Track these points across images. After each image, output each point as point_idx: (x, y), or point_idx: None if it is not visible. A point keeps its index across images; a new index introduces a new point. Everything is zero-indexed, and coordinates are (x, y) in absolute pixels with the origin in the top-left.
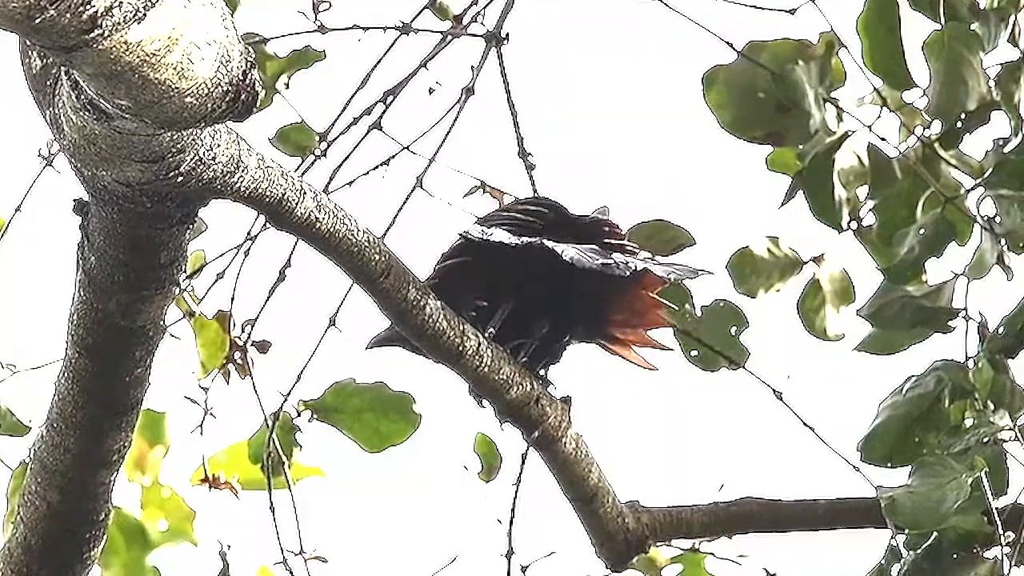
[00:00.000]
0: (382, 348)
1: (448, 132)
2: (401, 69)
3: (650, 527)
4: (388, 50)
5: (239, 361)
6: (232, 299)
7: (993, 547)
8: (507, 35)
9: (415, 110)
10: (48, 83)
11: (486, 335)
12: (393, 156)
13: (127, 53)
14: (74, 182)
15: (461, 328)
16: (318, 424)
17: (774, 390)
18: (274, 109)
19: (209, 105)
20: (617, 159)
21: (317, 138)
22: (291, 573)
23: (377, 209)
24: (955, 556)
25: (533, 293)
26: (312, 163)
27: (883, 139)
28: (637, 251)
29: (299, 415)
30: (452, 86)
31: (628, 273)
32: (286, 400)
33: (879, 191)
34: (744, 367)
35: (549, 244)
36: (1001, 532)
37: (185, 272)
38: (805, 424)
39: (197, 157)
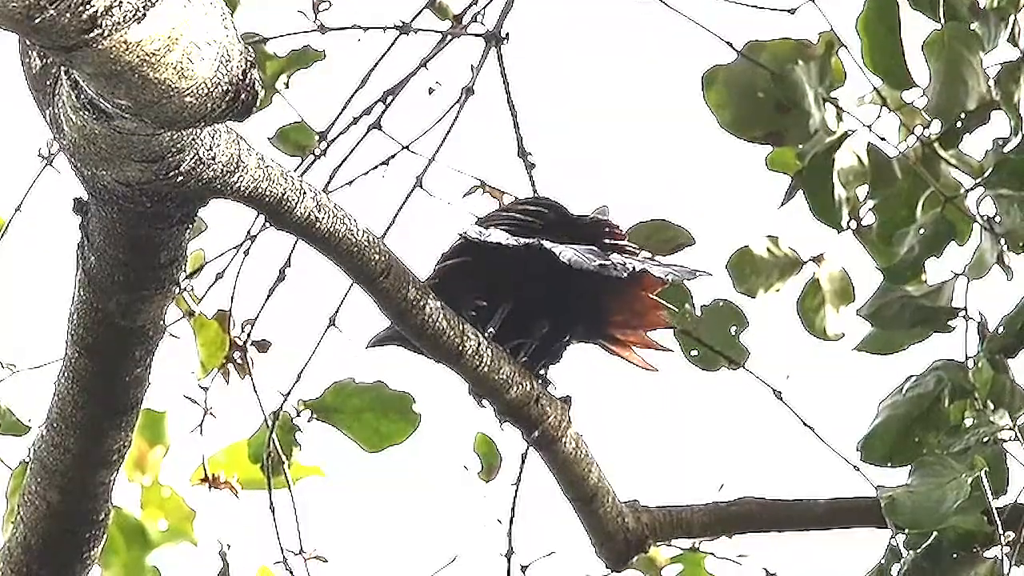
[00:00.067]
0: (382, 347)
1: (448, 132)
2: (401, 69)
3: (650, 527)
4: (388, 50)
5: (239, 361)
6: (232, 299)
7: (993, 547)
8: (507, 35)
9: (415, 110)
10: (48, 83)
11: (486, 335)
12: (393, 156)
13: (127, 53)
14: (74, 182)
15: (461, 328)
16: (318, 424)
17: (774, 390)
18: (274, 109)
19: (209, 105)
20: (617, 159)
21: (317, 138)
22: (291, 573)
23: (377, 209)
24: (955, 556)
25: (533, 293)
26: (312, 163)
27: (883, 139)
28: (637, 251)
29: (299, 415)
30: (452, 86)
31: (625, 274)
32: (286, 400)
33: (879, 191)
34: (744, 367)
35: (547, 245)
36: (1001, 532)
37: (185, 272)
38: (805, 424)
39: (197, 157)
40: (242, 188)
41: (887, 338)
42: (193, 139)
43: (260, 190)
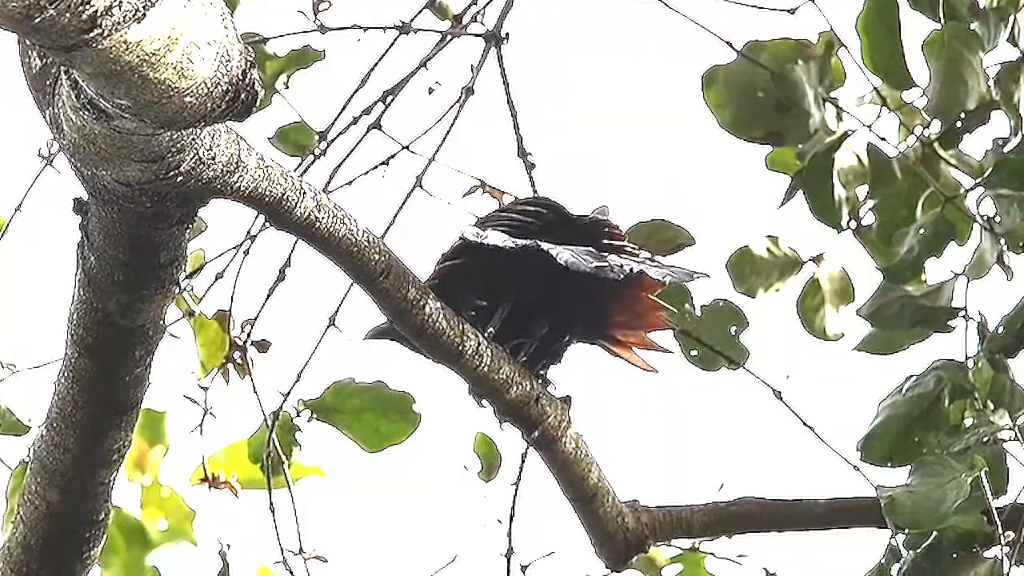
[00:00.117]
0: (380, 340)
1: (448, 132)
2: (401, 69)
3: (650, 527)
4: (388, 50)
5: (239, 361)
6: (232, 299)
7: (993, 547)
8: (507, 35)
9: (415, 110)
10: (48, 83)
11: (486, 335)
12: (393, 156)
13: (127, 53)
14: (74, 182)
15: (461, 328)
16: (318, 424)
17: (774, 390)
18: (274, 109)
19: (209, 105)
20: (617, 159)
21: (317, 138)
22: (291, 573)
23: (377, 209)
24: (955, 556)
25: (532, 294)
26: (312, 163)
27: (883, 139)
28: (637, 252)
29: (299, 415)
30: (452, 86)
31: (622, 276)
32: (286, 400)
33: (879, 191)
34: (744, 367)
35: (544, 246)
36: (1001, 532)
37: (185, 272)
38: (805, 424)
39: (197, 157)
40: (242, 188)
41: (887, 338)
42: (193, 139)
43: (260, 190)
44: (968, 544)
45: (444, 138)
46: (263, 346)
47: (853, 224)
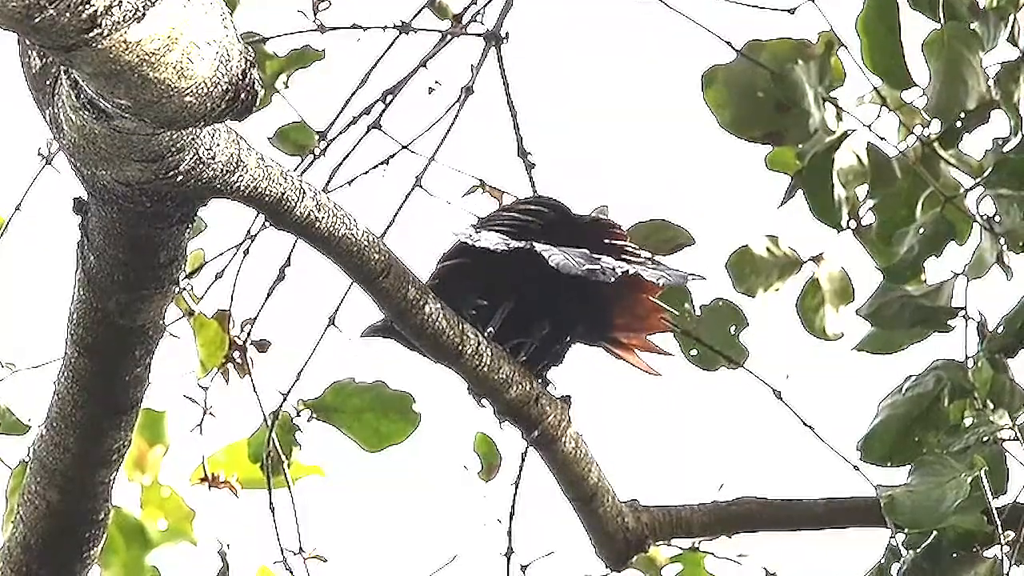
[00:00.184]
0: (376, 337)
1: (447, 131)
2: (400, 68)
3: (650, 526)
4: (387, 49)
5: (238, 360)
6: (232, 298)
7: (993, 546)
8: (507, 34)
9: (414, 109)
10: (48, 82)
11: (486, 335)
12: (392, 155)
13: (126, 52)
14: (74, 181)
15: (461, 327)
16: (318, 424)
17: (774, 390)
18: (273, 108)
19: (209, 104)
20: (617, 159)
21: (316, 137)
22: (291, 572)
23: (377, 208)
24: (955, 555)
25: (531, 295)
26: (311, 162)
27: (883, 138)
28: (638, 253)
29: (299, 414)
30: (452, 85)
31: (613, 279)
32: (285, 399)
33: (878, 190)
34: (743, 366)
35: (538, 248)
36: (1000, 531)
37: (184, 271)
38: (805, 424)
39: (196, 156)
40: (242, 188)
41: (887, 338)
42: (193, 139)
43: (260, 190)
44: (968, 544)
45: (444, 138)
46: (263, 346)
47: (853, 224)
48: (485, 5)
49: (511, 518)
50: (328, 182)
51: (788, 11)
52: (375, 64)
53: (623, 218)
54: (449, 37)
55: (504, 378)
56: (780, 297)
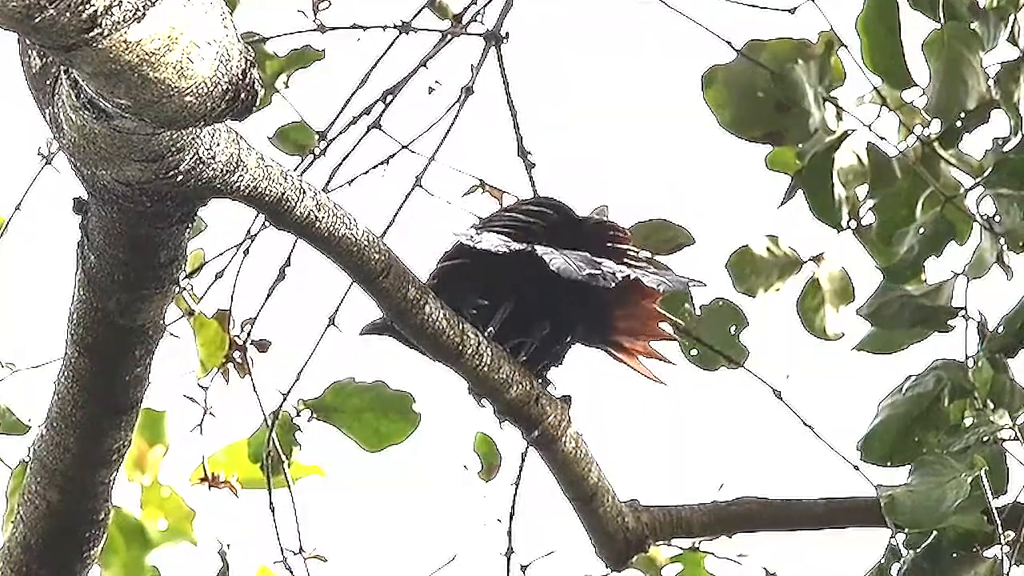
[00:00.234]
0: (376, 335)
1: (448, 131)
2: (400, 68)
3: (650, 526)
4: (387, 49)
5: (239, 360)
6: (232, 298)
7: (993, 546)
8: (507, 34)
9: (414, 109)
10: (48, 82)
11: (486, 334)
12: (392, 155)
13: (127, 52)
14: (74, 181)
15: (461, 327)
16: (318, 424)
17: (774, 389)
18: (274, 108)
19: (209, 104)
20: (617, 159)
21: (316, 137)
22: (291, 572)
23: (377, 208)
24: (955, 555)
25: (531, 295)
26: (311, 162)
27: (883, 138)
28: (639, 254)
29: (299, 414)
30: (452, 85)
31: (613, 284)
32: (286, 399)
33: (879, 190)
34: (744, 366)
35: (538, 251)
36: (1001, 531)
37: (185, 271)
38: (805, 423)
39: (196, 156)
40: (242, 187)
41: (887, 338)
42: (193, 138)
43: (260, 189)
44: (968, 544)
45: (444, 138)
46: (263, 346)
47: (853, 224)
48: (485, 5)
49: (511, 518)
50: (328, 182)
51: (788, 11)
52: (375, 64)
53: (623, 218)
54: (449, 37)
55: (504, 378)
56: (780, 297)
